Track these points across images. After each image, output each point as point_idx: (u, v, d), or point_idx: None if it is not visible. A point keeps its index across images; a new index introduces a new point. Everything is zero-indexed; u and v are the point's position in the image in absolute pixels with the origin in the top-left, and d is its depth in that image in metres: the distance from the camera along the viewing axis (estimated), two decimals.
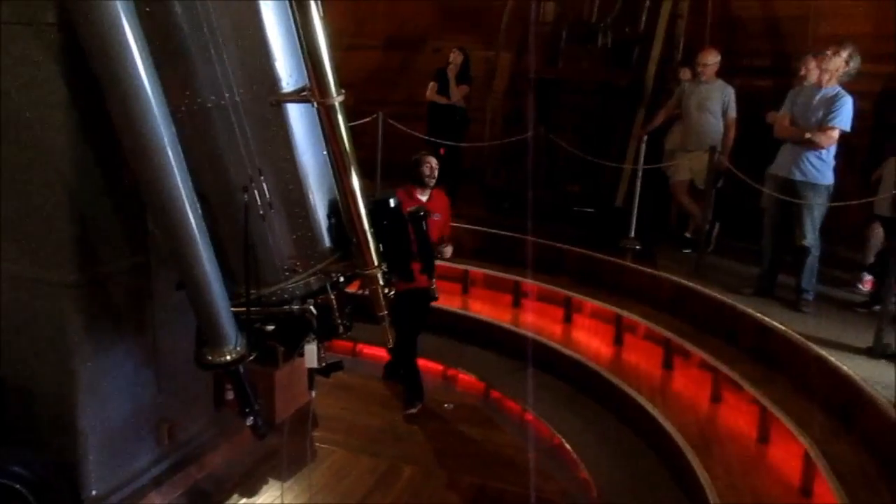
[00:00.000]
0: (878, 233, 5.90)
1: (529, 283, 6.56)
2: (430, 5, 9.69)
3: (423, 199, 4.98)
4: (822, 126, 5.11)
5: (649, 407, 4.79)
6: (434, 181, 5.05)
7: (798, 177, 5.25)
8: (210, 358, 2.78)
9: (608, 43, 7.91)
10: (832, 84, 5.15)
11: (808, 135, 5.14)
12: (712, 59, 6.49)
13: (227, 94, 2.52)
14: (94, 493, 3.03)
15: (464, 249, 7.07)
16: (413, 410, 5.00)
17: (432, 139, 7.76)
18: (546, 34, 8.37)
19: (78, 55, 2.42)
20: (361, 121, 7.11)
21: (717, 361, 5.03)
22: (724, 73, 6.64)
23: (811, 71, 5.68)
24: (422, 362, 5.28)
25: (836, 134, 5.09)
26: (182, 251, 2.57)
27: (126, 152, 2.46)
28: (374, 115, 7.58)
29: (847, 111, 5.06)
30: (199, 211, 2.54)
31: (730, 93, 6.47)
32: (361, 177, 2.81)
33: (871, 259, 6.00)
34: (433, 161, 5.02)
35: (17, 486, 2.75)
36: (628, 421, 4.97)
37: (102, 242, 2.93)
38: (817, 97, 5.20)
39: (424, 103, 8.11)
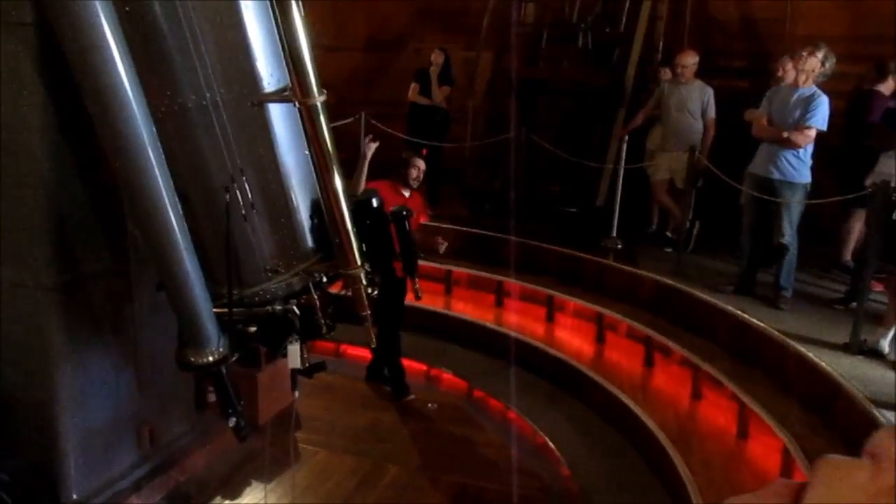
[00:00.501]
0: (854, 230, 6.00)
1: (512, 282, 6.58)
2: (410, 6, 9.69)
3: (406, 194, 5.00)
4: (799, 125, 5.17)
5: (631, 404, 4.83)
6: (418, 184, 5.10)
7: (776, 175, 5.31)
8: (192, 359, 2.77)
9: (588, 43, 7.97)
10: (808, 84, 5.22)
11: (785, 134, 5.20)
12: (691, 60, 6.56)
13: (207, 94, 2.51)
14: (74, 496, 3.00)
15: (446, 250, 7.09)
16: (411, 397, 5.15)
17: (413, 140, 7.77)
18: (527, 35, 8.42)
19: (55, 55, 2.40)
20: (343, 121, 7.10)
21: (697, 358, 5.08)
22: (702, 73, 6.71)
23: (788, 72, 5.75)
24: (405, 362, 5.28)
25: (813, 133, 5.16)
26: (163, 252, 2.56)
27: (106, 152, 2.45)
28: (357, 116, 7.56)
29: (823, 111, 5.13)
30: (181, 211, 2.53)
31: (709, 93, 6.54)
32: (343, 177, 2.81)
33: (847, 256, 6.09)
34: (421, 165, 5.05)
35: None
36: (610, 418, 5.01)
37: (81, 244, 2.90)
38: (794, 97, 5.27)
39: (405, 104, 8.11)
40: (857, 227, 5.97)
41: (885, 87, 5.95)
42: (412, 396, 5.16)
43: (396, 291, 4.65)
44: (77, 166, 2.80)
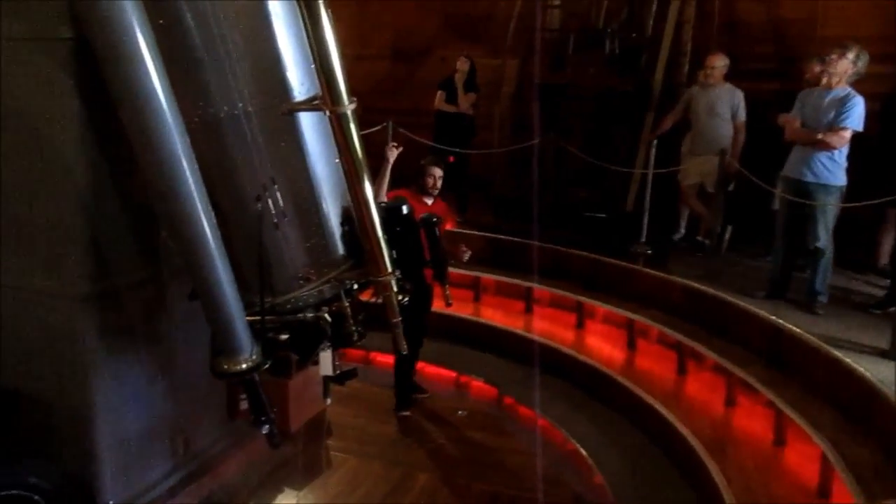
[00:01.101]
0: (890, 234, 5.88)
1: (541, 289, 6.55)
2: (436, 15, 9.73)
3: (429, 202, 5.00)
4: (834, 127, 5.09)
5: (663, 411, 4.77)
6: (437, 192, 5.08)
7: (810, 178, 5.23)
8: (225, 367, 2.79)
9: (615, 49, 7.92)
10: (841, 85, 5.14)
11: (819, 135, 5.12)
12: (720, 62, 6.49)
13: (239, 104, 2.54)
14: (110, 503, 3.04)
15: (474, 256, 7.08)
16: (405, 413, 5.08)
17: (440, 147, 7.78)
18: (553, 41, 8.39)
19: (91, 69, 2.44)
20: (369, 130, 7.13)
21: (730, 364, 5.00)
22: (730, 77, 6.64)
23: (815, 74, 5.67)
24: (434, 369, 5.28)
25: (848, 135, 5.07)
26: (196, 261, 2.58)
27: (140, 163, 2.48)
28: (384, 125, 7.60)
29: (858, 111, 5.05)
30: (214, 220, 2.56)
31: (739, 96, 6.47)
32: (373, 185, 2.82)
33: (885, 261, 5.96)
34: (437, 172, 5.04)
35: (35, 497, 2.76)
36: (642, 425, 4.95)
37: (116, 254, 2.94)
38: (827, 99, 5.19)
39: (431, 112, 8.13)
40: (893, 230, 5.85)
41: None
42: (407, 413, 5.12)
43: (420, 304, 4.63)
44: (112, 177, 2.84)
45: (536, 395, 5.21)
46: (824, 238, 5.22)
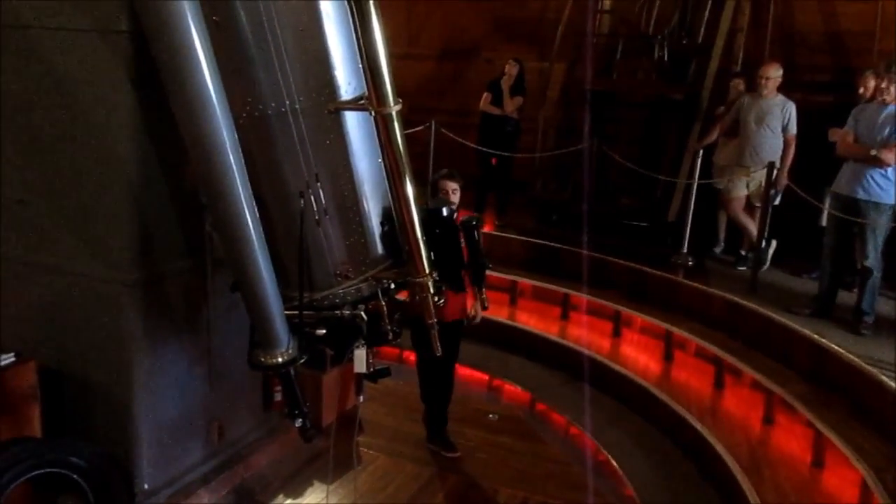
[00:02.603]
0: None
1: (578, 295, 6.50)
2: (485, 16, 9.72)
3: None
4: (889, 144, 4.96)
5: (698, 426, 4.69)
6: (454, 206, 4.28)
7: (861, 195, 5.10)
8: (262, 359, 2.84)
9: (664, 55, 7.82)
10: None
11: (873, 152, 4.99)
12: (774, 72, 6.34)
13: (287, 102, 2.58)
14: (146, 486, 3.11)
15: (512, 260, 7.07)
16: (455, 454, 4.52)
17: (484, 149, 7.78)
18: (601, 46, 8.32)
19: (146, 62, 2.50)
20: (413, 129, 7.16)
21: (770, 382, 4.90)
22: (783, 87, 6.50)
23: (869, 89, 5.53)
24: (468, 371, 5.26)
25: None
26: (239, 253, 2.63)
27: (190, 155, 2.53)
28: (427, 125, 7.62)
29: None
30: (257, 215, 2.60)
31: (790, 108, 6.32)
32: (415, 185, 2.83)
33: None
34: (450, 186, 4.26)
35: (75, 476, 2.84)
36: (676, 439, 4.87)
37: (162, 243, 3.01)
38: (883, 114, 5.06)
39: (476, 113, 8.13)
40: None
41: None
42: (458, 453, 4.53)
43: (448, 353, 4.07)
44: (161, 167, 2.91)
45: (576, 404, 5.15)
46: (873, 257, 5.10)
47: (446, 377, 4.53)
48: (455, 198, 4.23)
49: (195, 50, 2.31)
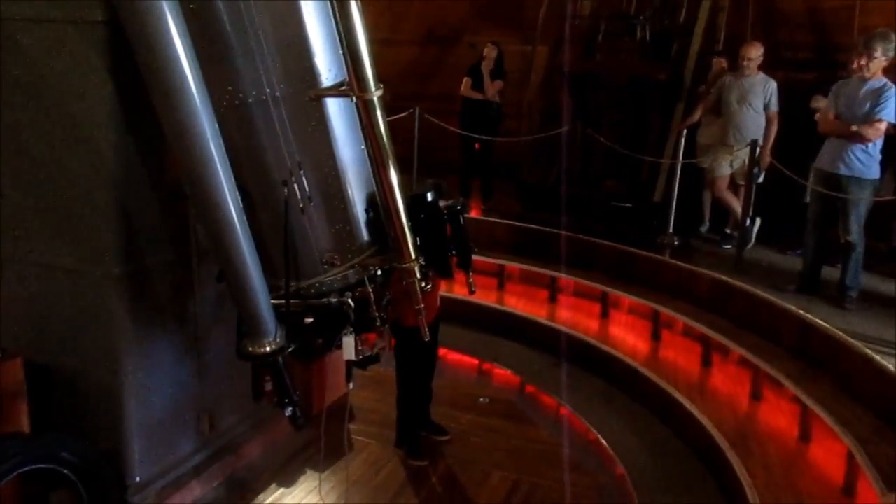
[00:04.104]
0: None
1: (565, 278, 6.52)
2: (467, 0, 9.67)
3: None
4: (869, 119, 5.00)
5: (687, 404, 4.73)
6: None
7: (843, 171, 5.14)
8: (250, 349, 2.84)
9: (646, 36, 7.81)
10: (877, 77, 5.04)
11: (854, 128, 5.03)
12: (756, 52, 6.36)
13: (267, 90, 2.56)
14: (137, 479, 3.11)
15: (498, 244, 7.08)
16: (421, 462, 4.25)
17: (467, 134, 7.77)
18: (583, 28, 8.30)
19: (124, 52, 2.47)
20: (397, 116, 7.14)
21: (757, 359, 4.94)
22: (765, 66, 6.51)
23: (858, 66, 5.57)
24: (457, 356, 5.27)
25: (883, 126, 4.98)
26: (223, 243, 2.62)
27: (171, 146, 2.52)
28: (410, 111, 7.60)
29: (894, 103, 4.94)
30: (241, 204, 2.59)
31: (772, 86, 6.35)
32: (399, 171, 2.82)
33: None
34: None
35: (65, 471, 2.83)
36: (665, 418, 4.92)
37: (146, 235, 2.99)
38: (863, 90, 5.09)
39: (459, 98, 8.11)
40: None
41: None
42: (449, 436, 4.46)
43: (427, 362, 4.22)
44: (143, 159, 2.89)
45: (565, 385, 5.18)
46: (856, 232, 5.14)
47: (428, 377, 4.40)
48: None
49: (172, 38, 2.29)
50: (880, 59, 5.00)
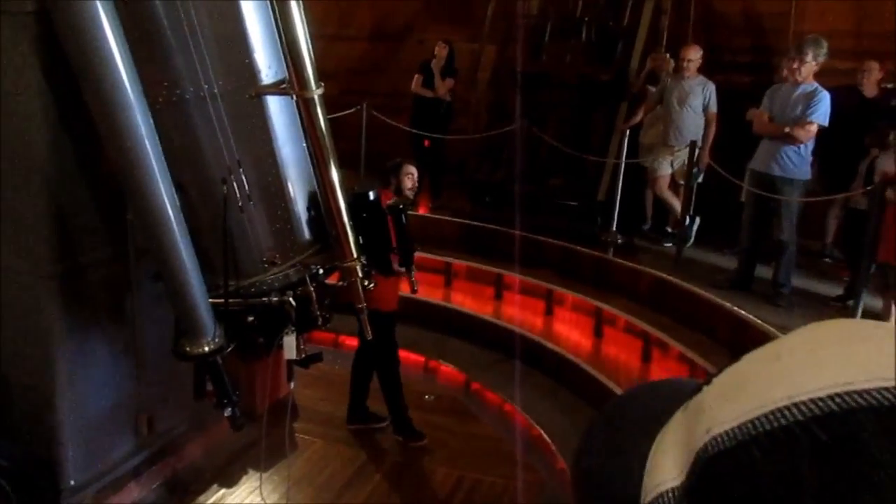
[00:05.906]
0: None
1: (511, 275, 6.59)
2: None
3: None
4: (801, 121, 5.18)
5: None
6: (414, 193, 4.41)
7: (776, 172, 5.31)
8: (188, 349, 2.80)
9: (592, 37, 7.94)
10: (808, 81, 5.23)
11: (786, 129, 5.21)
12: (695, 54, 6.53)
13: (205, 86, 2.53)
14: (72, 482, 3.04)
15: (446, 241, 7.12)
16: (422, 443, 4.50)
17: (416, 132, 7.77)
18: (530, 27, 8.38)
19: (56, 44, 2.41)
20: (345, 112, 7.10)
21: (694, 354, 5.09)
22: (705, 68, 6.69)
23: (793, 71, 5.77)
24: (403, 353, 5.26)
25: (814, 129, 5.17)
26: (160, 242, 2.58)
27: (103, 142, 2.46)
28: (358, 107, 7.56)
29: (825, 106, 5.14)
30: (178, 202, 2.55)
31: (711, 88, 6.52)
32: (344, 169, 2.82)
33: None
34: (415, 171, 4.31)
35: None
36: None
37: (81, 232, 2.93)
38: (795, 93, 5.27)
39: (408, 95, 8.10)
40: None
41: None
42: (424, 441, 4.54)
43: (386, 332, 4.22)
44: (77, 156, 2.82)
45: (510, 382, 5.24)
46: (788, 231, 5.32)
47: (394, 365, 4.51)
48: (416, 184, 4.29)
49: (104, 33, 2.25)
50: (812, 64, 5.20)
